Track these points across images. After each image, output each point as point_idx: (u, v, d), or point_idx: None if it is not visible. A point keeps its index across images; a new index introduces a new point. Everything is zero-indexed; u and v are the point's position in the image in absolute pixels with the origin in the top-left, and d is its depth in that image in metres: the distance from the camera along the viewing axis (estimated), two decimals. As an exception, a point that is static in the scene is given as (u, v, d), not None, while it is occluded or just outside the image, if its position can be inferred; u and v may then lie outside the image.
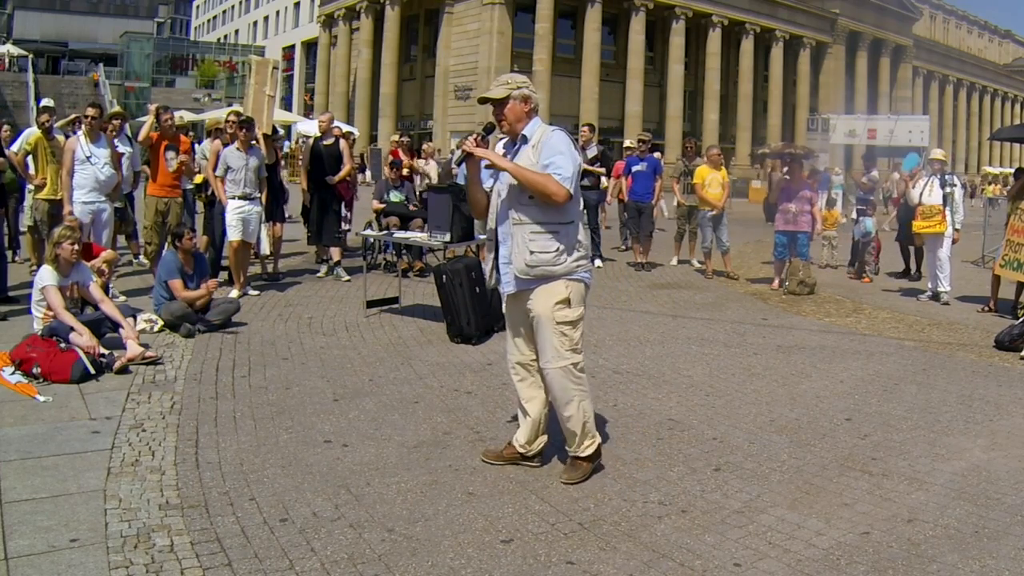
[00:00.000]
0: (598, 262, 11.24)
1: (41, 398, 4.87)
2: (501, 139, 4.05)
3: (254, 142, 8.50)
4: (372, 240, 9.83)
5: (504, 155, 3.89)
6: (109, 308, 5.93)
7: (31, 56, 46.70)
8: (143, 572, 2.95)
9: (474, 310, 6.71)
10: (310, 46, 53.99)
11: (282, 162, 13.49)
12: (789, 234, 9.95)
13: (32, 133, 8.93)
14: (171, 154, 8.35)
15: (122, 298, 7.56)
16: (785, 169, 10.52)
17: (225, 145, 8.52)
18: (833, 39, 46.85)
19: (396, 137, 14.04)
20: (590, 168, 10.96)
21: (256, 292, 8.47)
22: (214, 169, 8.45)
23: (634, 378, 5.77)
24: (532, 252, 3.74)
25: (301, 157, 13.38)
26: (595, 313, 7.60)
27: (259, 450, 4.17)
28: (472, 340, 6.63)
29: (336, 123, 10.56)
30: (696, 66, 43.06)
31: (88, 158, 7.57)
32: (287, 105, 50.47)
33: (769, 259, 11.09)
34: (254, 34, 64.29)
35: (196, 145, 10.78)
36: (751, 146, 41.56)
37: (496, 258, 3.95)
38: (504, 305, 4.03)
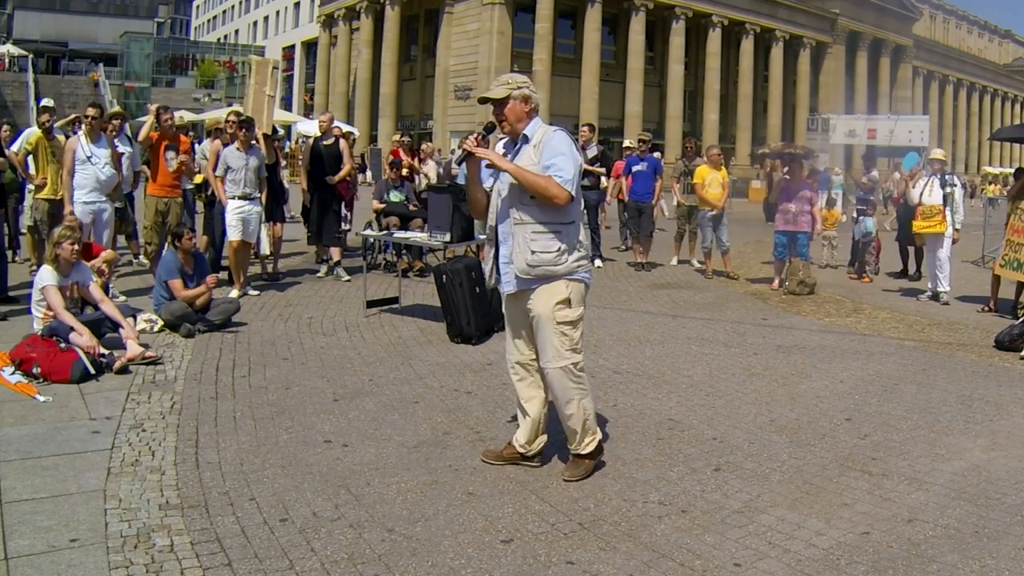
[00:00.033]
0: (598, 262, 11.24)
1: (41, 398, 4.87)
2: (501, 139, 4.05)
3: (254, 142, 8.50)
4: (372, 240, 9.83)
5: (504, 155, 3.88)
6: (109, 308, 5.93)
7: (31, 56, 46.72)
8: (143, 572, 2.95)
9: (474, 310, 6.71)
10: (310, 46, 54.00)
11: (283, 162, 13.48)
12: (789, 234, 9.95)
13: (33, 133, 8.94)
14: (171, 154, 8.35)
15: (122, 298, 7.56)
16: (785, 169, 10.52)
17: (225, 145, 8.53)
18: (833, 39, 46.85)
19: (397, 137, 14.06)
20: (590, 168, 10.97)
21: (256, 292, 8.47)
22: (214, 169, 8.46)
23: (634, 378, 5.77)
24: (534, 252, 3.74)
25: (301, 157, 13.37)
26: (595, 313, 7.60)
27: (259, 450, 4.17)
28: (472, 340, 6.63)
29: (336, 123, 10.56)
30: (696, 66, 43.06)
31: (89, 158, 7.57)
32: (287, 105, 50.47)
33: (769, 259, 11.09)
34: (254, 34, 64.29)
35: (196, 145, 10.78)
36: (751, 146, 41.55)
37: (496, 257, 3.95)
38: (504, 305, 4.03)
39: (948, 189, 9.36)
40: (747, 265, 12.26)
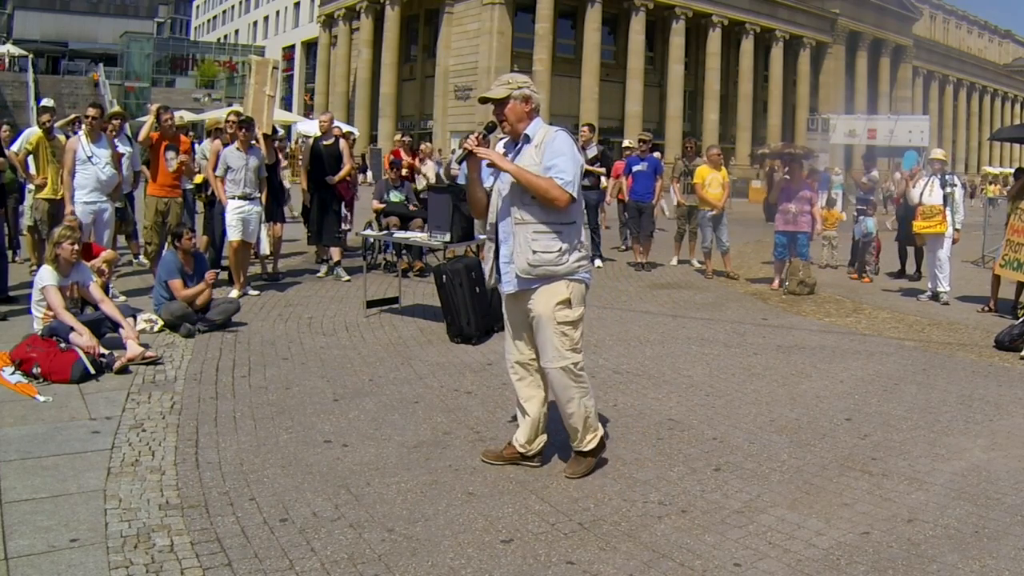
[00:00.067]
0: (598, 262, 11.24)
1: (41, 398, 4.87)
2: (502, 139, 4.04)
3: (254, 142, 8.50)
4: (372, 240, 9.84)
5: (505, 154, 3.88)
6: (109, 308, 5.93)
7: (31, 56, 46.73)
8: (143, 572, 2.95)
9: (474, 310, 6.71)
10: (310, 46, 54.00)
11: (283, 162, 13.49)
12: (789, 234, 9.95)
13: (33, 133, 8.93)
14: (171, 154, 8.36)
15: (122, 298, 7.56)
16: (785, 169, 10.52)
17: (225, 145, 8.53)
18: (833, 39, 46.85)
19: (398, 137, 14.08)
20: (590, 168, 10.98)
21: (256, 292, 8.47)
22: (214, 169, 8.46)
23: (634, 378, 5.77)
24: (535, 252, 3.74)
25: (301, 157, 13.38)
26: (595, 313, 7.60)
27: (259, 450, 4.17)
28: (472, 340, 6.64)
29: (336, 123, 10.56)
30: (696, 66, 43.06)
31: (89, 158, 7.57)
32: (287, 105, 50.48)
33: (769, 259, 11.09)
34: (254, 34, 64.30)
35: (196, 145, 10.78)
36: (751, 146, 41.53)
37: (496, 256, 3.95)
38: (504, 304, 4.03)
39: (948, 189, 9.36)
40: (747, 265, 12.26)
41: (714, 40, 41.66)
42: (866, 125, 33.47)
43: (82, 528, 3.25)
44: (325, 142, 9.76)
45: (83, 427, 4.43)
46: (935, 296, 9.47)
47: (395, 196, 10.55)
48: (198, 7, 78.36)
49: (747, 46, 42.91)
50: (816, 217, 10.10)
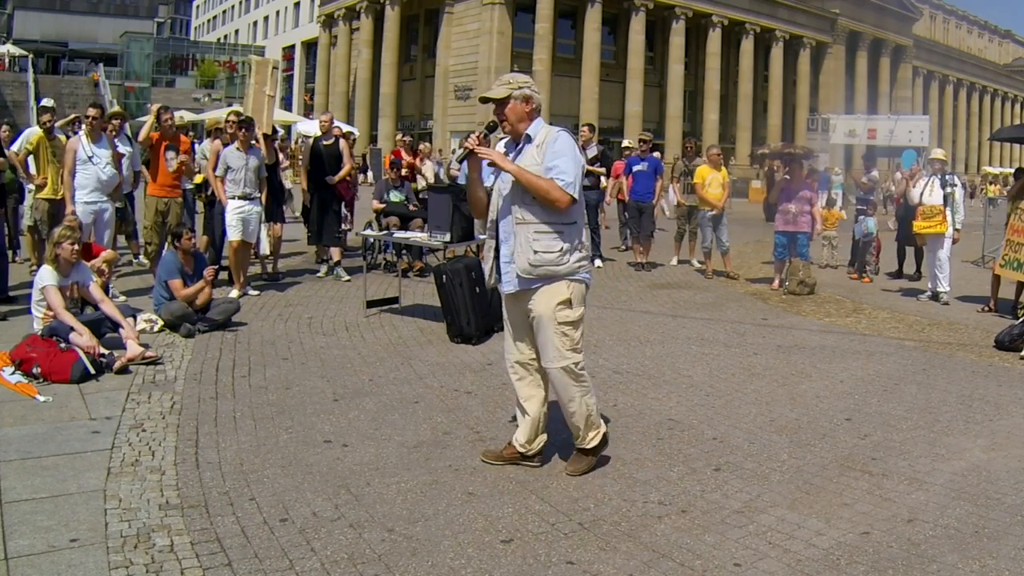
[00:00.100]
0: (598, 262, 11.25)
1: (41, 398, 4.87)
2: (502, 138, 4.04)
3: (254, 142, 8.50)
4: (372, 240, 9.83)
5: (506, 154, 3.88)
6: (109, 308, 5.93)
7: (31, 56, 46.75)
8: (143, 572, 2.95)
9: (474, 310, 6.71)
10: (310, 46, 53.99)
11: (285, 162, 13.50)
12: (789, 234, 9.96)
13: (34, 133, 8.93)
14: (171, 154, 8.36)
15: (122, 298, 7.56)
16: (785, 169, 10.52)
17: (225, 145, 8.53)
18: (833, 39, 46.85)
19: (400, 136, 14.08)
20: (590, 168, 10.99)
21: (256, 292, 8.47)
22: (214, 169, 8.46)
23: (634, 378, 5.77)
24: (536, 252, 3.74)
25: (301, 157, 13.39)
26: (595, 313, 7.60)
27: (259, 450, 4.17)
28: (472, 340, 6.63)
29: (336, 123, 10.57)
30: (696, 66, 43.05)
31: (90, 158, 7.57)
32: (287, 105, 50.48)
33: (769, 259, 11.09)
34: (254, 34, 64.29)
35: (196, 145, 10.78)
36: (751, 146, 41.49)
37: (496, 256, 3.95)
38: (504, 304, 4.03)
39: (948, 189, 9.36)
40: (747, 265, 12.26)
41: (714, 40, 41.66)
42: (866, 125, 33.48)
43: (82, 528, 3.25)
44: (325, 142, 9.76)
45: (83, 427, 4.43)
46: (935, 296, 9.47)
47: (395, 196, 10.55)
48: (198, 7, 78.36)
49: (747, 46, 42.90)
50: (816, 217, 10.11)
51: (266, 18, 62.48)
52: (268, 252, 9.28)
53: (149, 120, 8.53)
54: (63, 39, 66.28)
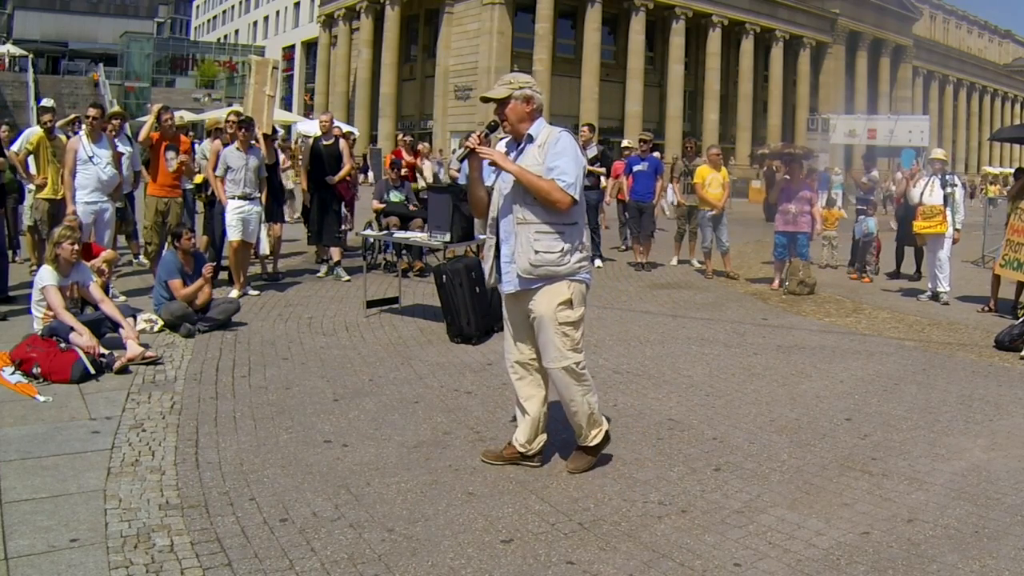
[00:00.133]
0: (598, 262, 11.25)
1: (41, 398, 4.87)
2: (503, 138, 4.04)
3: (254, 142, 8.50)
4: (372, 240, 9.83)
5: (507, 154, 3.88)
6: (109, 308, 5.93)
7: (31, 56, 46.75)
8: (143, 572, 2.95)
9: (474, 310, 6.71)
10: (310, 46, 54.00)
11: (287, 162, 13.49)
12: (789, 235, 9.96)
13: (34, 133, 8.93)
14: (171, 154, 8.35)
15: (122, 298, 7.56)
16: (785, 169, 10.52)
17: (225, 145, 8.53)
18: (833, 39, 46.85)
19: (401, 136, 14.09)
20: (590, 168, 10.99)
21: (256, 292, 8.47)
22: (214, 169, 8.46)
23: (634, 378, 5.77)
24: (537, 252, 3.74)
25: (301, 157, 13.39)
26: (595, 313, 7.60)
27: (259, 450, 4.17)
28: (472, 340, 6.63)
29: (336, 123, 10.56)
30: (696, 66, 43.06)
31: (90, 158, 7.57)
32: (287, 105, 50.48)
33: (769, 259, 11.09)
34: (254, 34, 64.30)
35: (196, 145, 10.78)
36: (751, 146, 41.49)
37: (496, 256, 3.94)
38: (504, 304, 4.03)
39: (949, 189, 9.35)
40: (747, 265, 12.26)
41: (714, 40, 41.66)
42: (866, 125, 33.47)
43: (82, 528, 3.25)
44: (325, 142, 9.76)
45: (83, 427, 4.43)
46: (935, 296, 9.47)
47: (395, 196, 10.55)
48: (198, 7, 78.36)
49: (747, 46, 42.90)
50: (816, 217, 10.11)
51: (266, 18, 62.48)
52: (268, 252, 9.28)
53: (149, 120, 8.53)
54: (63, 39, 66.28)
